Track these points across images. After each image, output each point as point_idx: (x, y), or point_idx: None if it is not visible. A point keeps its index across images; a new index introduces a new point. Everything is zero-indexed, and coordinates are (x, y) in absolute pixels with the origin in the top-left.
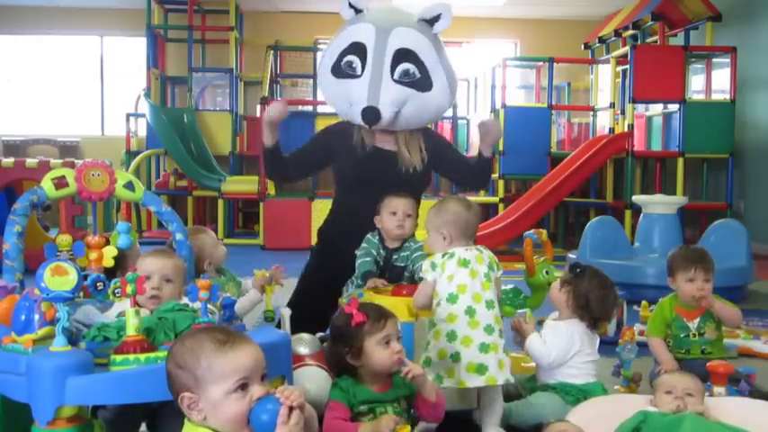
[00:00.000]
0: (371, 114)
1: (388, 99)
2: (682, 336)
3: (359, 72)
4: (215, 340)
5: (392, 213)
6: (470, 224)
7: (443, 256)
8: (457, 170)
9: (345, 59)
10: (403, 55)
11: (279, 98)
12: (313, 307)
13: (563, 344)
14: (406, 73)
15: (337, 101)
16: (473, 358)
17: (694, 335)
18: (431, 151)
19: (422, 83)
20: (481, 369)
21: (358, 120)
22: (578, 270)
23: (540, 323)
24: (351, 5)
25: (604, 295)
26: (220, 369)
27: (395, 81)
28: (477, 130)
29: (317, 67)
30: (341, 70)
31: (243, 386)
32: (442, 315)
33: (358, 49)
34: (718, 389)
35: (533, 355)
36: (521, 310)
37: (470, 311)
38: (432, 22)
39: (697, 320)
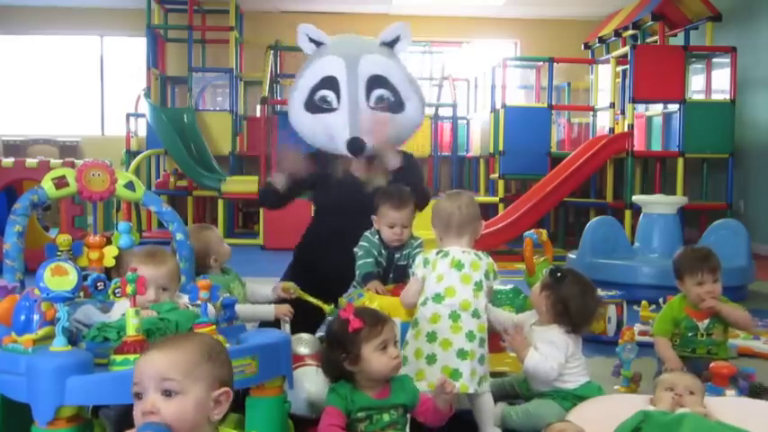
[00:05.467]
0: (356, 145)
1: (368, 127)
2: (689, 335)
3: (335, 105)
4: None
5: (389, 226)
6: (452, 215)
7: (438, 253)
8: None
9: (319, 94)
10: (375, 81)
11: (290, 147)
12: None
13: (561, 355)
14: (380, 98)
15: (315, 135)
16: (449, 362)
17: (702, 335)
18: (404, 171)
19: (396, 105)
20: (455, 375)
21: (342, 151)
22: (559, 275)
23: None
24: (311, 39)
25: (585, 302)
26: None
27: (371, 108)
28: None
29: (289, 101)
30: (315, 105)
31: (137, 394)
32: (426, 314)
33: (330, 82)
34: (729, 390)
35: (538, 375)
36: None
37: (455, 316)
38: (392, 44)
39: (706, 321)
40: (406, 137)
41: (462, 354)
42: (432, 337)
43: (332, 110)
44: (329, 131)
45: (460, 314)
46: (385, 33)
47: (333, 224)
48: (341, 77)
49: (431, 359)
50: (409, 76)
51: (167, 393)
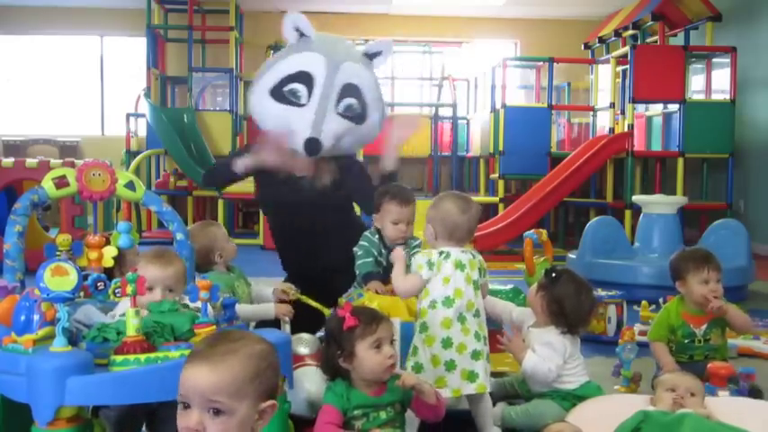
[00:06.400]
0: (314, 145)
1: (330, 132)
2: (686, 341)
3: (303, 101)
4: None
5: (395, 223)
6: (459, 227)
7: (440, 254)
8: (356, 197)
9: (290, 86)
10: (349, 90)
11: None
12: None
13: (559, 357)
14: (349, 107)
15: (272, 123)
16: (466, 365)
17: (699, 341)
18: (344, 173)
19: (360, 116)
20: (472, 376)
21: (297, 148)
22: (554, 275)
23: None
24: (297, 29)
25: (580, 302)
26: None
27: (338, 114)
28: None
29: (255, 81)
30: (282, 95)
31: (184, 404)
32: (437, 319)
33: (305, 78)
34: (722, 391)
35: (536, 377)
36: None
37: (462, 318)
38: (372, 57)
39: (704, 327)
40: (358, 149)
41: (476, 355)
42: (447, 342)
43: (298, 104)
44: (289, 125)
45: (466, 315)
46: (371, 45)
47: (281, 222)
48: (318, 77)
49: (450, 365)
50: (379, 92)
51: (215, 412)
